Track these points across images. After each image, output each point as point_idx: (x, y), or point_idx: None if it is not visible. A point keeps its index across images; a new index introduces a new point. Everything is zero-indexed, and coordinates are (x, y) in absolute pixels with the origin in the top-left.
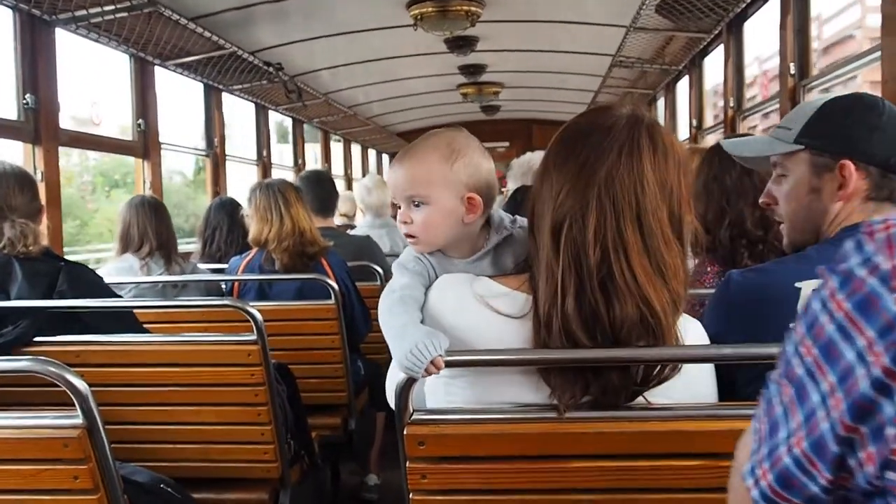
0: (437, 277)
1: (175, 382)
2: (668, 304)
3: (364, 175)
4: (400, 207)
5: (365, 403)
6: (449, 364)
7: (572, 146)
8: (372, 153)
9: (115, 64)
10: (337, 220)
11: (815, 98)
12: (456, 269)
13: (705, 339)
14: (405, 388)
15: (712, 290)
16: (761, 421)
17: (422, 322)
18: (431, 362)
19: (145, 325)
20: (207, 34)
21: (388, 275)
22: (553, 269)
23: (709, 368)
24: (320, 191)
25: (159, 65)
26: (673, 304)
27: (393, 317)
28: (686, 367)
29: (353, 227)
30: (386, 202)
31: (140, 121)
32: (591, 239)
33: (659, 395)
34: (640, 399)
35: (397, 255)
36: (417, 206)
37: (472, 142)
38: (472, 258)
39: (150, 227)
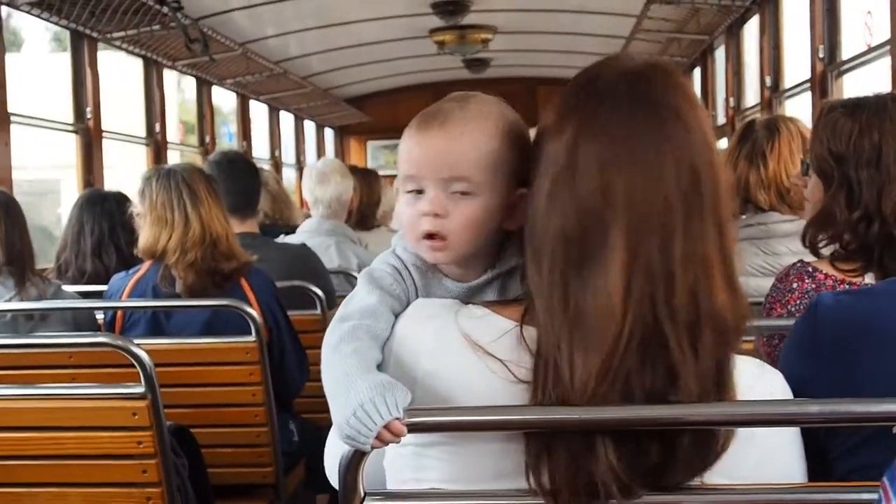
0: None
1: (28, 454)
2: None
3: (299, 158)
4: (419, 192)
5: (299, 483)
6: (413, 428)
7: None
8: (310, 126)
9: None
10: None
11: None
12: (449, 295)
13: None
14: (353, 462)
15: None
16: None
17: (379, 367)
18: (386, 427)
19: None
20: None
21: (331, 300)
22: (618, 312)
23: (792, 434)
24: (236, 181)
25: (7, 3)
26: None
27: (337, 358)
28: (760, 433)
29: (284, 231)
30: (344, 199)
31: None
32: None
33: (720, 473)
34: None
35: (348, 275)
36: (462, 196)
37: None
38: (477, 281)
39: None
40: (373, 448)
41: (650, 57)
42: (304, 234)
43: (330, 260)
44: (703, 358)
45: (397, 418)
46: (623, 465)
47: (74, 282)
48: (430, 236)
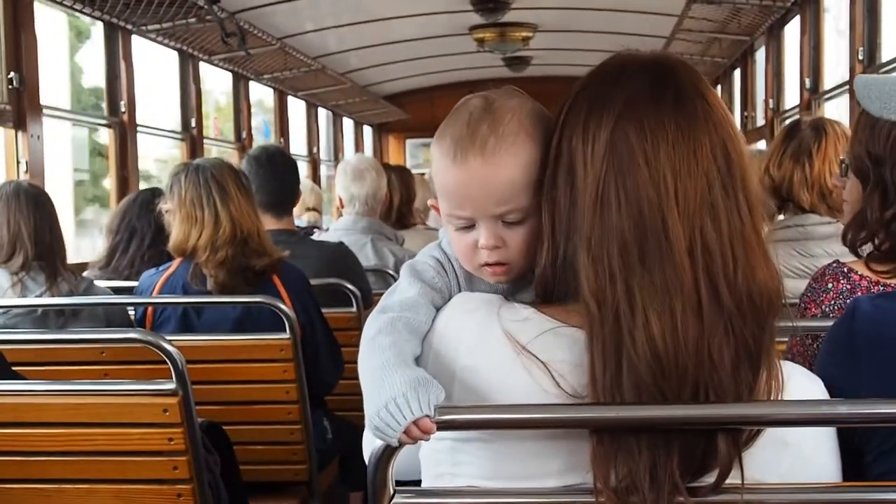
0: None
1: (59, 450)
2: None
3: (336, 155)
4: (468, 225)
5: (333, 480)
6: (444, 425)
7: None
8: (348, 123)
9: None
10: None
11: None
12: (493, 290)
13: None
14: (383, 459)
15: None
16: None
17: (418, 360)
18: (416, 424)
19: (16, 369)
20: None
21: (367, 298)
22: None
23: (827, 435)
24: (272, 177)
25: None
26: None
27: (374, 351)
28: (793, 435)
29: (317, 229)
30: (380, 195)
31: (13, 75)
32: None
33: (754, 476)
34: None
35: (384, 273)
36: (516, 223)
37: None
38: (523, 281)
39: (27, 228)
40: (401, 443)
41: (659, 50)
42: (339, 233)
43: (366, 258)
44: (741, 335)
45: (427, 416)
46: (667, 463)
47: (129, 277)
48: (495, 264)
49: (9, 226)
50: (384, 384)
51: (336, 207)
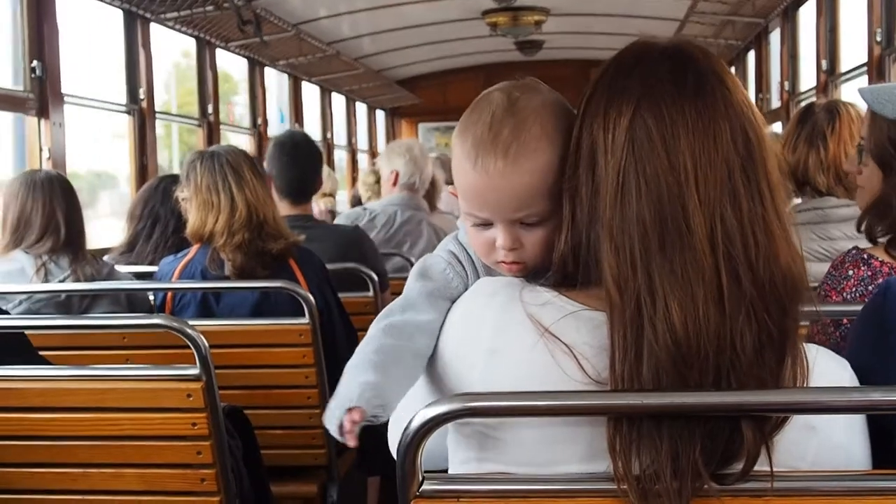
0: None
1: (83, 434)
2: None
3: (350, 140)
4: (486, 223)
5: (352, 465)
6: (467, 413)
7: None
8: (361, 108)
9: None
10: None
11: None
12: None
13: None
14: (412, 445)
15: (855, 308)
16: None
17: (434, 352)
18: (350, 411)
19: (41, 353)
20: None
21: (383, 281)
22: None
23: (857, 421)
24: (293, 166)
25: None
26: None
27: (359, 349)
28: (822, 421)
29: (335, 213)
30: (428, 183)
31: (35, 63)
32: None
33: (782, 462)
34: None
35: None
36: (534, 225)
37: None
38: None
39: (61, 213)
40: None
41: (677, 37)
42: (394, 207)
43: (421, 234)
44: (763, 322)
45: (360, 407)
46: (696, 449)
47: (152, 263)
48: (511, 263)
49: (43, 210)
50: (342, 385)
51: (386, 182)
